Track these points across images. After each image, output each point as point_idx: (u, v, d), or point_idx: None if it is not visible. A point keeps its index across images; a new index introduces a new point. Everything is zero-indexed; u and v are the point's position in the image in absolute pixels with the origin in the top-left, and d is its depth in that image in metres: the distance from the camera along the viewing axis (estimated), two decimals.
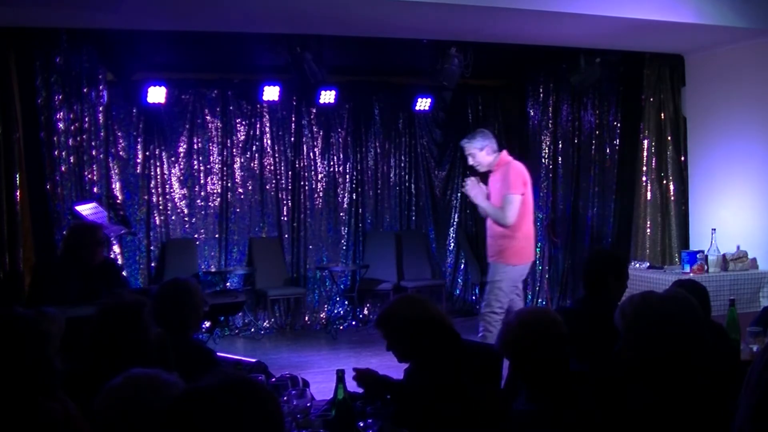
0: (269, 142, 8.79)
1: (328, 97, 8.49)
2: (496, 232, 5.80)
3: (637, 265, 7.06)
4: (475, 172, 6.21)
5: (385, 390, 3.15)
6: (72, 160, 7.02)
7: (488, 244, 5.90)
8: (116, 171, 7.98)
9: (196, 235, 8.52)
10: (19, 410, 2.10)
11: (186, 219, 8.51)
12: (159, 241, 8.38)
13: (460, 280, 9.64)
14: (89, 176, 7.20)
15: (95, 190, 7.25)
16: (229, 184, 8.64)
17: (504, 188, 5.70)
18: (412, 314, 3.08)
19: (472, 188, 5.87)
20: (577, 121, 8.62)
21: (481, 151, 5.87)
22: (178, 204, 8.48)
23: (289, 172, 8.89)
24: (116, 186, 7.94)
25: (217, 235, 8.62)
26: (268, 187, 8.82)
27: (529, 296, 9.00)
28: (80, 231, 5.17)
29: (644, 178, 7.84)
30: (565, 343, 2.62)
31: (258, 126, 8.76)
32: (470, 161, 5.96)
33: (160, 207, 8.40)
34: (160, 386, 1.88)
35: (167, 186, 8.42)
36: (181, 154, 8.47)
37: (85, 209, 6.43)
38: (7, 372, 2.14)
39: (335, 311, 8.95)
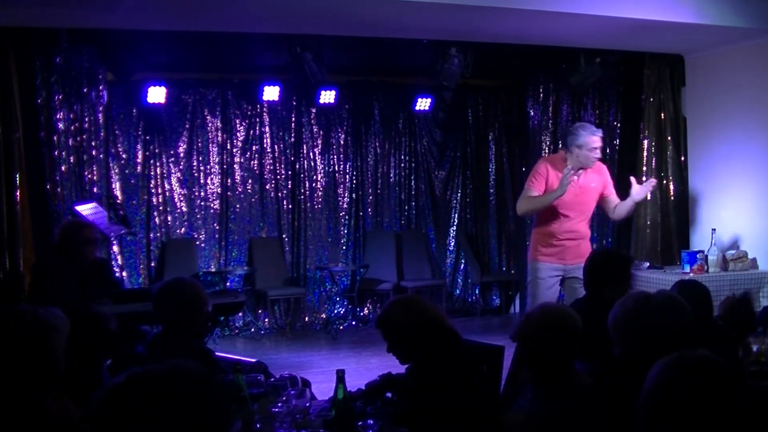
0: (269, 142, 8.79)
1: (328, 97, 8.48)
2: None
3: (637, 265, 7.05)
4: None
5: (388, 387, 3.16)
6: (72, 160, 7.01)
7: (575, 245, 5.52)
8: (116, 171, 8.00)
9: (196, 235, 8.52)
10: (24, 410, 2.09)
11: (186, 219, 8.51)
12: (159, 241, 8.38)
13: (459, 280, 9.63)
14: (89, 176, 7.20)
15: (95, 190, 7.24)
16: (229, 184, 8.64)
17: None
18: (410, 317, 3.06)
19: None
20: (577, 121, 8.59)
21: None
22: (178, 204, 8.48)
23: (289, 172, 8.88)
24: (116, 186, 7.97)
25: (217, 235, 8.61)
26: (268, 187, 8.81)
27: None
28: (70, 229, 5.11)
29: (644, 178, 7.83)
30: (577, 344, 2.64)
31: (258, 126, 8.75)
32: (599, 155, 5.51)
33: (160, 207, 8.40)
34: (163, 386, 1.88)
35: (167, 186, 8.42)
36: (181, 154, 8.46)
37: (85, 209, 6.41)
38: (13, 371, 2.13)
39: (335, 311, 8.95)
